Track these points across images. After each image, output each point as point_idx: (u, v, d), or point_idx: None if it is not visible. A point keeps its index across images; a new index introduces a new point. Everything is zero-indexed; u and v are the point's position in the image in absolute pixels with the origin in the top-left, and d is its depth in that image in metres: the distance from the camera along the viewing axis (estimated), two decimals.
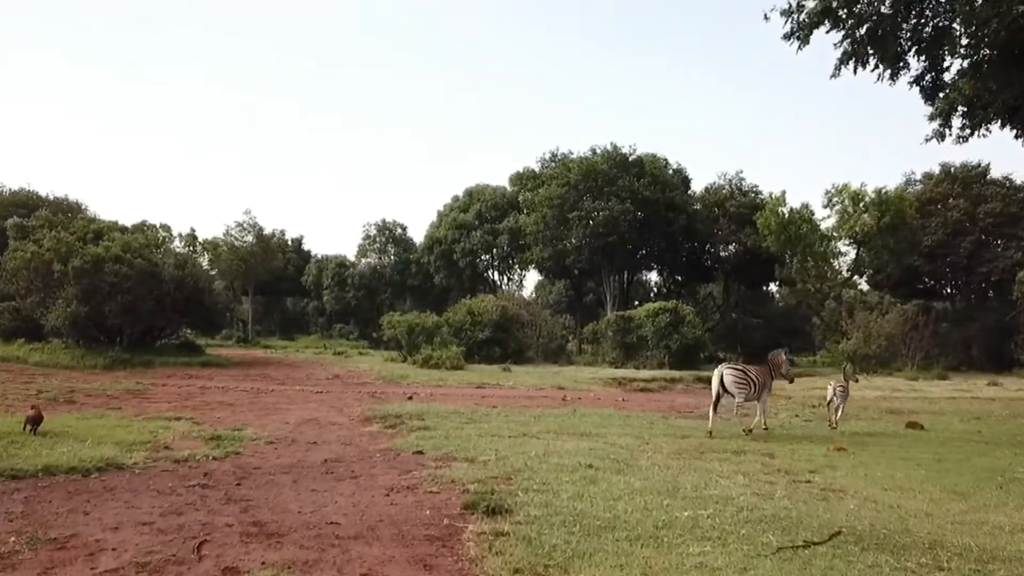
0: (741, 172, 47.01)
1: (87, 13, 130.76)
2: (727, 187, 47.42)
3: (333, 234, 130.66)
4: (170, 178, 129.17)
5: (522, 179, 48.88)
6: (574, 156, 43.48)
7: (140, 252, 26.99)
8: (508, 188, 50.75)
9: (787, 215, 40.59)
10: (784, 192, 40.53)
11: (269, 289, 70.49)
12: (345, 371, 26.27)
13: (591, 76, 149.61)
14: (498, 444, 9.12)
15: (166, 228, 36.23)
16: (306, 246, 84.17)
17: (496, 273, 49.12)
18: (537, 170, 48.88)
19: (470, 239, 45.97)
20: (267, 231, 62.83)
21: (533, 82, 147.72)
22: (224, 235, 62.13)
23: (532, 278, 71.74)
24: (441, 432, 10.34)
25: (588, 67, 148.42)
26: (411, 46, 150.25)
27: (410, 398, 17.38)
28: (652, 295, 62.49)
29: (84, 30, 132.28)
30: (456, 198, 51.10)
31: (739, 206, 45.78)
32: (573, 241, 39.67)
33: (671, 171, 42.86)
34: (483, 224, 47.22)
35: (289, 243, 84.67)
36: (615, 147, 40.96)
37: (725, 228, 45.33)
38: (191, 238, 47.57)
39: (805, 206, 40.43)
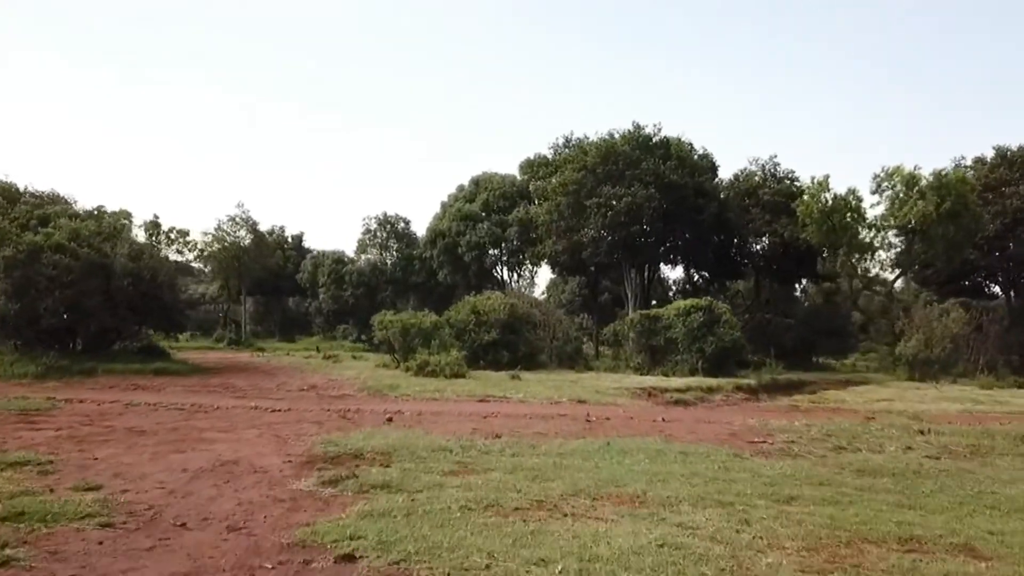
0: (775, 157, 42.80)
1: (88, 13, 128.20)
2: (759, 173, 43.20)
3: (335, 232, 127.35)
4: (171, 177, 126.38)
5: (533, 166, 44.92)
6: (591, 140, 39.43)
7: (89, 241, 23.27)
8: (518, 176, 46.79)
9: (830, 202, 36.36)
10: (827, 177, 36.28)
11: (269, 288, 66.99)
12: (325, 379, 22.42)
13: (600, 66, 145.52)
14: (496, 538, 5.14)
15: (126, 215, 32.47)
16: (307, 243, 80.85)
17: (505, 269, 45.21)
18: (549, 156, 44.90)
19: (476, 231, 42.05)
20: (264, 227, 59.23)
21: (537, 78, 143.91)
22: (216, 230, 58.50)
23: (544, 277, 67.70)
24: (405, 499, 6.42)
25: (597, 57, 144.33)
26: (411, 45, 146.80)
27: (390, 419, 13.51)
28: (673, 293, 58.39)
29: (84, 30, 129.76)
30: (461, 187, 47.18)
31: (773, 194, 41.58)
32: (590, 232, 35.61)
33: (697, 156, 38.67)
34: (491, 215, 43.31)
35: (289, 240, 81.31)
36: (637, 127, 36.93)
37: (759, 218, 41.12)
38: (153, 226, 43.78)
39: (852, 192, 36.18)
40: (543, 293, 62.21)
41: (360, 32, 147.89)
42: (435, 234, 44.23)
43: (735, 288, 51.00)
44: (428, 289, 54.06)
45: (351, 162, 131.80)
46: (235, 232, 58.71)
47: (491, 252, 43.63)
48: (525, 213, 42.31)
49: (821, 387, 28.86)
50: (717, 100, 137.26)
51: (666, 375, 29.48)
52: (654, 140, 37.09)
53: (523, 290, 43.70)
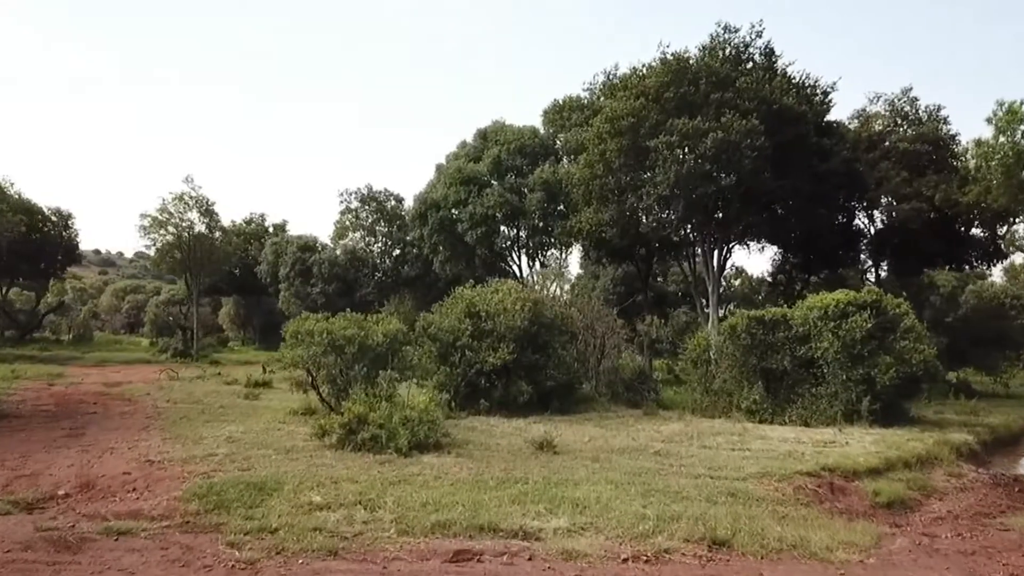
0: (910, 90, 30.15)
1: None
2: (886, 114, 30.63)
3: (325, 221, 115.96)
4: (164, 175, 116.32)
5: (562, 112, 32.73)
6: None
7: None
8: (541, 129, 34.60)
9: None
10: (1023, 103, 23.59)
11: (245, 286, 55.55)
12: (137, 462, 10.50)
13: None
14: None
15: None
16: (291, 230, 69.67)
17: (524, 256, 32.84)
18: (586, 99, 32.71)
19: (483, 200, 29.84)
20: (242, 215, 47.28)
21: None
22: (158, 212, 46.97)
23: (576, 266, 55.07)
24: None
25: None
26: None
27: None
28: (750, 286, 45.67)
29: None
30: (464, 144, 34.99)
31: (912, 140, 29.01)
32: (654, 191, 23.25)
33: (808, 82, 26.07)
34: (503, 178, 31.15)
35: (270, 229, 69.98)
36: (728, 29, 24.52)
37: (893, 176, 28.55)
38: None
39: None
40: (570, 288, 50.15)
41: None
42: (425, 206, 32.03)
43: (838, 275, 38.07)
44: (427, 284, 42.16)
45: (338, 140, 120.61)
46: (182, 215, 47.21)
47: (503, 230, 31.41)
48: (552, 173, 30.12)
49: None
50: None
51: (806, 422, 17.21)
52: (751, 51, 24.69)
53: (549, 281, 31.32)
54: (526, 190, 30.55)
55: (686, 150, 22.98)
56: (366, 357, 14.42)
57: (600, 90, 30.69)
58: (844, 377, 17.32)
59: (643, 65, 26.74)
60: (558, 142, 33.90)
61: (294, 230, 59.98)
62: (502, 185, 30.84)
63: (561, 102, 33.50)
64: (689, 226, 24.76)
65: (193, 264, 47.51)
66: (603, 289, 58.46)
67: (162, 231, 46.36)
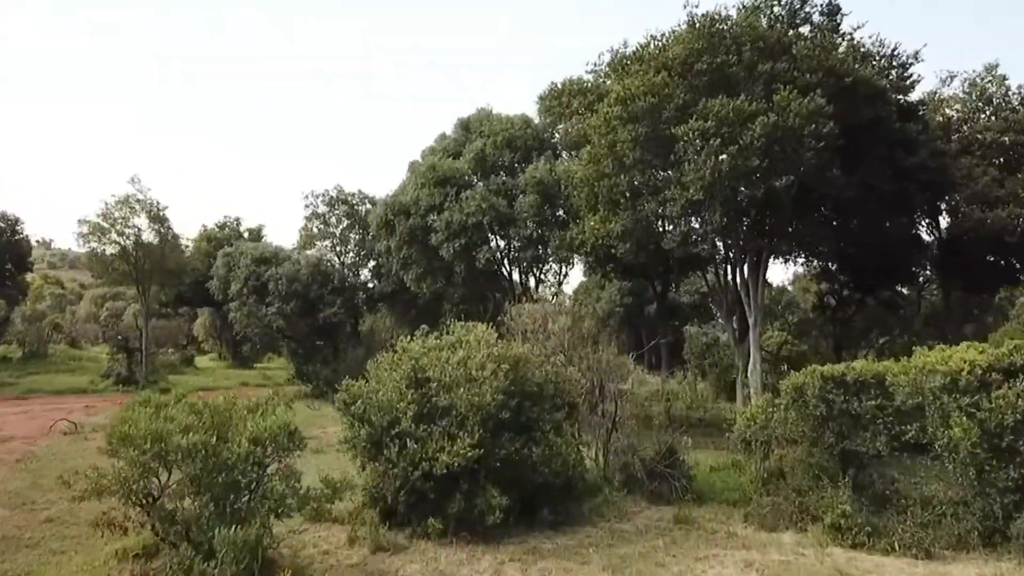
0: (995, 67, 24.16)
1: None
2: (965, 97, 24.71)
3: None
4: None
5: (560, 97, 26.86)
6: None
7: None
8: (536, 118, 28.73)
9: None
10: None
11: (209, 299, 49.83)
12: None
13: None
14: None
15: None
16: (269, 239, 64.10)
17: (515, 271, 26.79)
18: (589, 81, 26.87)
19: (463, 205, 23.87)
20: (214, 219, 41.66)
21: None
22: (100, 217, 41.30)
23: (576, 278, 49.36)
24: None
25: None
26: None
27: None
28: (771, 297, 39.70)
29: None
30: (444, 136, 29.07)
31: (1002, 130, 23.11)
32: (684, 193, 17.35)
33: (881, 52, 20.10)
34: (488, 176, 25.25)
35: (245, 235, 64.22)
36: None
37: (979, 174, 22.62)
38: None
39: None
40: (567, 302, 44.38)
41: None
42: (394, 211, 25.99)
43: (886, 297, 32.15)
44: (405, 300, 36.38)
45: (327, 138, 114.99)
46: (126, 221, 41.52)
47: (490, 241, 25.37)
48: (548, 172, 24.23)
49: None
50: None
51: (928, 551, 11.41)
52: (807, 9, 18.78)
53: (543, 305, 25.33)
54: (516, 193, 24.67)
55: (725, 140, 17.06)
56: (219, 478, 8.58)
57: (608, 68, 24.83)
58: (983, 480, 11.47)
59: (662, 34, 20.87)
60: (556, 134, 28.05)
61: (275, 238, 54.30)
62: (487, 186, 24.98)
63: (560, 86, 27.61)
64: (733, 239, 18.84)
65: (141, 275, 41.87)
66: (608, 300, 52.60)
67: (104, 239, 40.77)
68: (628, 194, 19.60)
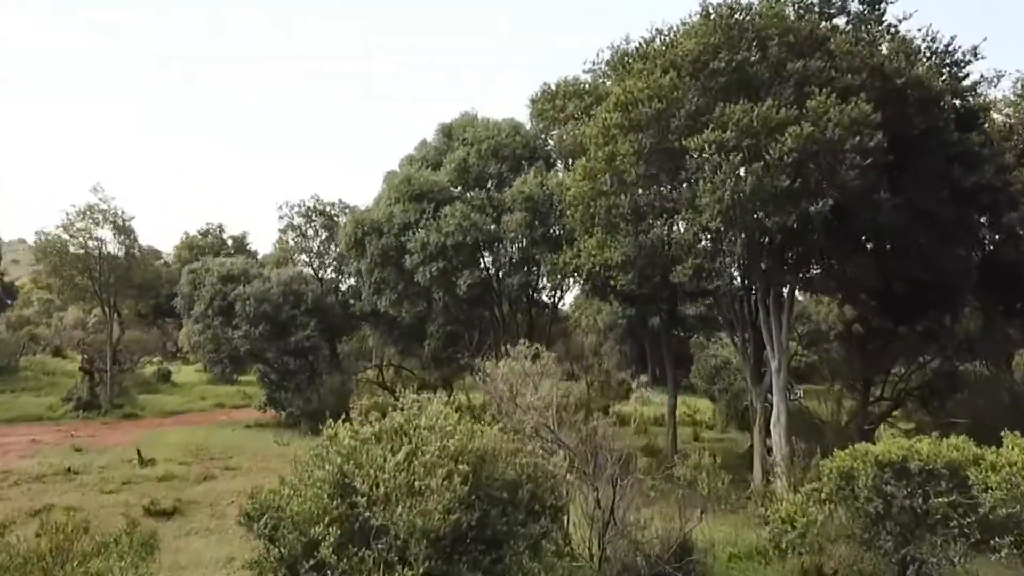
0: None
1: None
2: (1017, 99, 21.60)
3: None
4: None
5: (553, 100, 23.84)
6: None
7: None
8: (528, 123, 25.72)
9: None
10: None
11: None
12: None
13: None
14: None
15: None
16: (253, 247, 61.28)
17: (504, 302, 23.51)
18: (587, 83, 23.88)
19: (441, 224, 20.76)
20: (196, 226, 38.73)
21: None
22: (61, 229, 38.36)
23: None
24: None
25: None
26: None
27: None
28: (796, 341, 36.39)
29: None
30: (424, 143, 26.00)
31: None
32: (697, 218, 14.35)
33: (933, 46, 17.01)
34: (472, 186, 22.18)
35: (228, 243, 61.39)
36: None
37: None
38: None
39: None
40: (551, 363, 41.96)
41: None
42: (364, 229, 22.88)
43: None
44: (388, 321, 33.32)
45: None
46: (89, 233, 38.56)
47: (477, 262, 22.20)
48: (539, 185, 21.22)
49: None
50: None
51: None
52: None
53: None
54: (503, 210, 21.63)
55: (748, 154, 14.05)
56: None
57: (608, 67, 21.81)
58: None
59: (670, 28, 17.84)
60: (550, 141, 25.06)
61: (268, 243, 51.16)
62: (469, 202, 21.94)
63: (554, 87, 24.60)
64: (757, 272, 15.82)
65: (103, 291, 38.86)
66: (610, 312, 49.44)
67: (62, 254, 37.77)
68: (630, 216, 16.57)
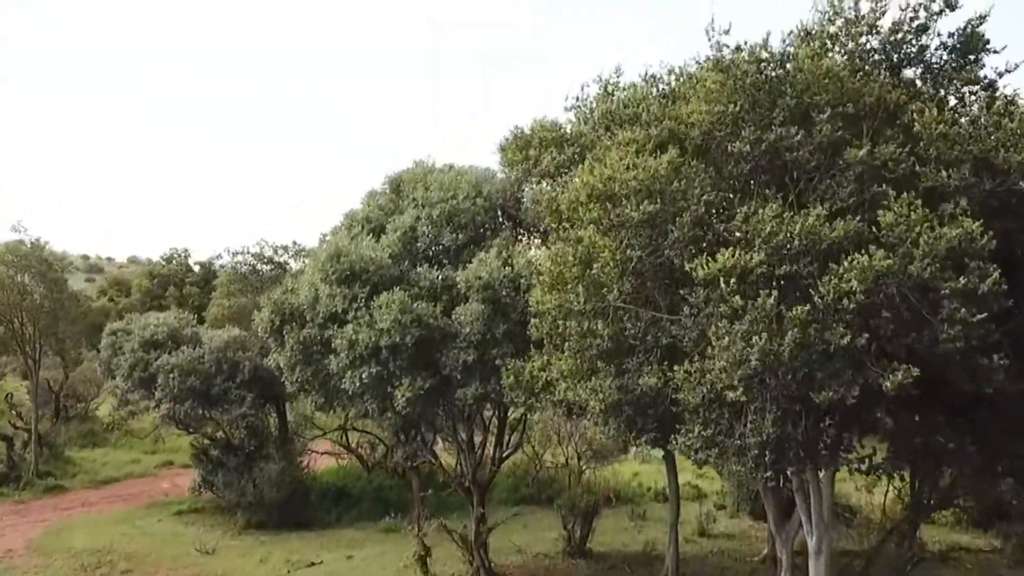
0: None
1: None
2: None
3: None
4: None
5: (526, 149, 18.88)
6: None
7: None
8: (499, 172, 20.83)
9: None
10: None
11: None
12: None
13: None
14: None
15: None
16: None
17: (459, 422, 18.64)
18: (569, 126, 18.89)
19: (374, 316, 15.92)
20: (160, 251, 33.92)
21: None
22: None
23: None
24: None
25: None
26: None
27: None
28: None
29: None
30: (374, 193, 20.89)
31: None
32: (715, 377, 9.48)
33: None
34: (419, 262, 17.23)
35: (196, 269, 57.02)
36: None
37: None
38: None
39: None
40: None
41: None
42: (281, 316, 17.99)
43: None
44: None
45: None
46: (13, 278, 34.07)
47: (426, 367, 17.22)
48: (502, 265, 16.37)
49: None
50: None
51: None
52: (921, 34, 10.84)
53: None
54: (457, 299, 16.79)
55: (785, 292, 9.22)
56: None
57: (589, 114, 16.88)
58: None
59: (672, 73, 13.00)
60: (523, 197, 20.15)
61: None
62: (414, 285, 17.13)
63: (528, 131, 19.70)
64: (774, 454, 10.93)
65: (24, 342, 34.16)
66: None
67: None
68: (612, 350, 11.72)
